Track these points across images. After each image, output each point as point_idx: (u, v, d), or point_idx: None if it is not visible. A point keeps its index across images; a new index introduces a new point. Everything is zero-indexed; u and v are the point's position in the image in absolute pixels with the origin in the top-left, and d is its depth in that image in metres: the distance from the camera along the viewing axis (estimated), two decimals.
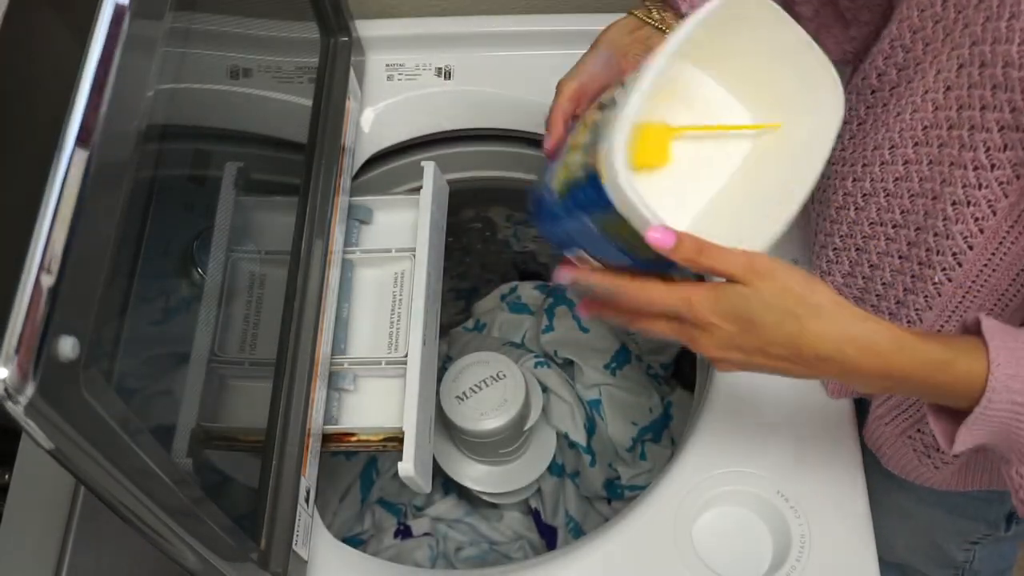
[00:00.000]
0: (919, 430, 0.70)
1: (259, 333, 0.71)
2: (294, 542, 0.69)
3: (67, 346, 0.40)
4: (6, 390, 0.38)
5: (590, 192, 0.54)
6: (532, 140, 1.02)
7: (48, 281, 0.40)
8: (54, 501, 0.74)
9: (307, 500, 0.73)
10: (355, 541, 1.14)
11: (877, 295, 0.70)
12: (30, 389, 0.38)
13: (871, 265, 0.70)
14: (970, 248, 0.59)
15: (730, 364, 0.57)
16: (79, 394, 0.42)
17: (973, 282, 0.61)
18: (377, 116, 0.97)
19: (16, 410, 0.38)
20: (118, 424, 0.44)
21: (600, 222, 0.55)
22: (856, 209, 0.69)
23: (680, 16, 0.70)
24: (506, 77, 0.97)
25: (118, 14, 0.46)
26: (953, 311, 0.64)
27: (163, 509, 0.49)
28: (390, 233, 0.89)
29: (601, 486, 1.11)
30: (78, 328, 0.41)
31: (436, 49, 0.98)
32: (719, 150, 0.59)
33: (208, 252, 0.65)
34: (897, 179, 0.64)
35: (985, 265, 0.60)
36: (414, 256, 0.85)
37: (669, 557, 0.73)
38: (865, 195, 0.68)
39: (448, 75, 0.98)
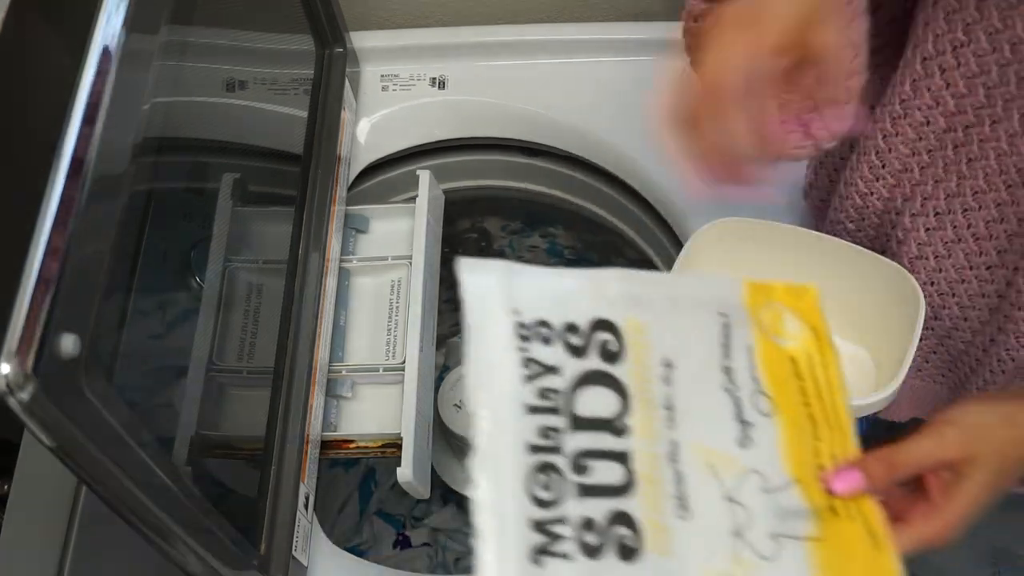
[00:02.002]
0: None
1: (257, 341, 0.72)
2: (294, 548, 0.69)
3: (68, 343, 0.40)
4: (8, 386, 0.38)
5: None
6: (526, 149, 1.02)
7: (50, 279, 0.40)
8: (53, 512, 0.74)
9: (306, 506, 0.73)
10: (354, 552, 1.14)
11: (966, 331, 0.70)
12: (31, 386, 0.38)
13: (961, 306, 0.70)
14: None
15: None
16: (80, 391, 0.42)
17: None
18: (372, 126, 0.98)
19: (17, 407, 0.39)
20: (119, 422, 0.45)
21: None
22: (937, 257, 0.68)
23: None
24: (500, 87, 0.98)
25: (114, 28, 0.47)
26: None
27: (164, 509, 0.50)
28: (386, 241, 0.90)
29: None
30: (79, 326, 0.41)
31: (430, 59, 0.99)
32: None
33: (205, 262, 0.66)
34: (990, 222, 0.63)
35: None
36: (410, 264, 0.86)
37: None
38: (947, 243, 0.67)
39: (442, 85, 0.98)
